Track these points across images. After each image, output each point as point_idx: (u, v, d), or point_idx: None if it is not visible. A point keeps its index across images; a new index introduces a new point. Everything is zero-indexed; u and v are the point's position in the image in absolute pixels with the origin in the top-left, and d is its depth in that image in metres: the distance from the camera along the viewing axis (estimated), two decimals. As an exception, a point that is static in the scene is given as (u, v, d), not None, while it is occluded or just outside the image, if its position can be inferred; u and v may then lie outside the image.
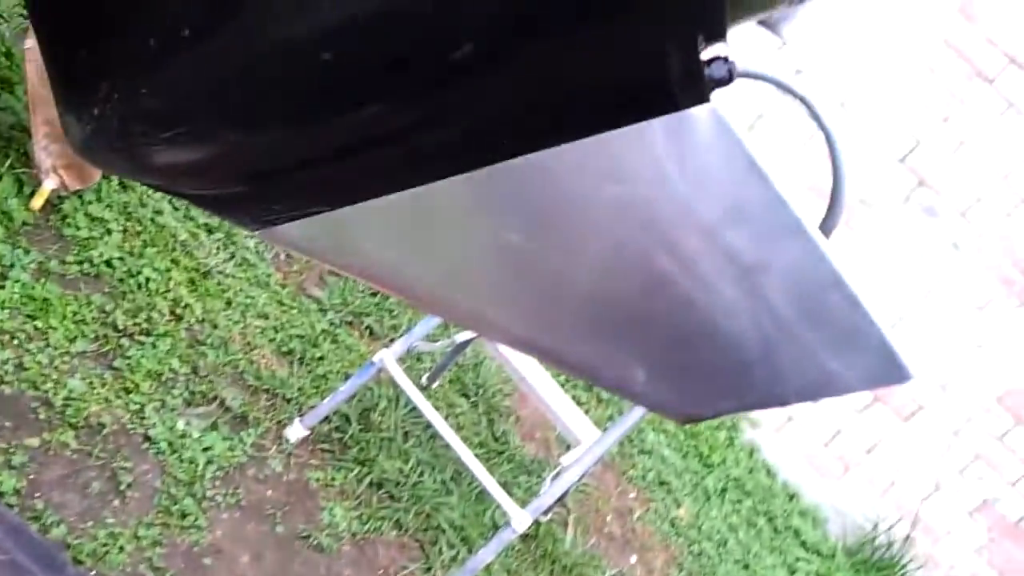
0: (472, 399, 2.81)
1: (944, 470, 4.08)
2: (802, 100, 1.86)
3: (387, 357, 2.15)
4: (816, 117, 1.82)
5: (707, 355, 0.59)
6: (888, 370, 0.54)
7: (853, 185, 1.89)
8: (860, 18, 3.55)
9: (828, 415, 4.12)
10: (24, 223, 2.02)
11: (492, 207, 0.54)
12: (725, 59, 0.46)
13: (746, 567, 3.28)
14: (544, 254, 0.55)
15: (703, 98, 0.46)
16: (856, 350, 0.54)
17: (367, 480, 2.21)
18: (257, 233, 0.60)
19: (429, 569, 2.15)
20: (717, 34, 0.45)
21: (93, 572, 1.58)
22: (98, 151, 0.60)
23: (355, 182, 0.56)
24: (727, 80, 0.46)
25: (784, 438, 4.19)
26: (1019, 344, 3.88)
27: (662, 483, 3.29)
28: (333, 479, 2.15)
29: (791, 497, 4.08)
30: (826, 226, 1.91)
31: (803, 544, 3.83)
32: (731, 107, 0.47)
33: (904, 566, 4.04)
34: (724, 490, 3.64)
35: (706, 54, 0.45)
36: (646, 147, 0.50)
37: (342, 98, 0.49)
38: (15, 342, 1.82)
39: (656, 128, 0.49)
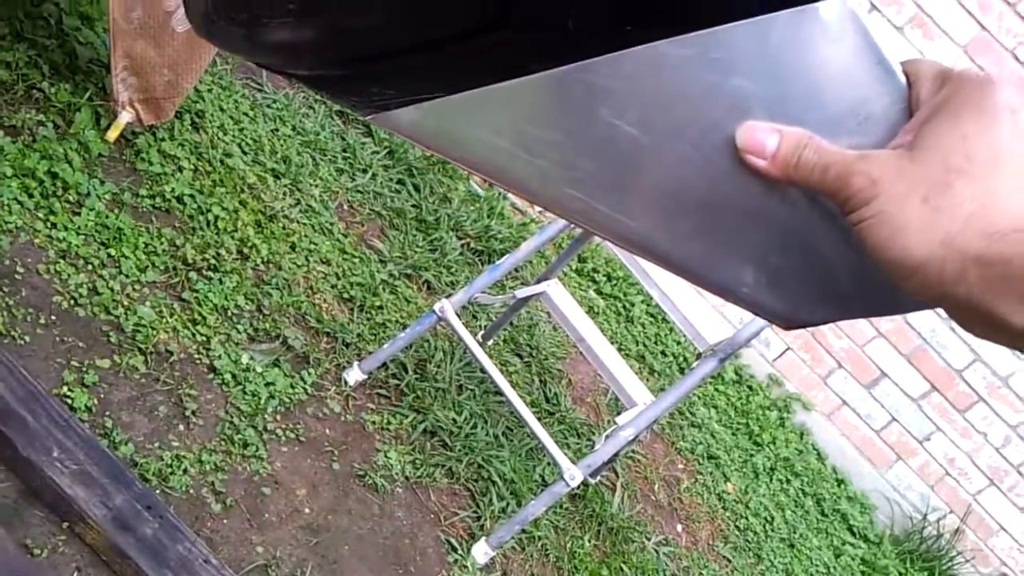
0: (525, 359, 2.82)
1: (1000, 464, 3.99)
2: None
3: (447, 306, 2.16)
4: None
5: (820, 259, 0.58)
6: None
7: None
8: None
9: (883, 402, 4.06)
10: (100, 155, 2.05)
11: (608, 97, 0.53)
12: None
13: (792, 546, 3.25)
14: (659, 148, 0.54)
15: None
16: None
17: (422, 427, 2.23)
18: (370, 118, 0.60)
19: (479, 518, 2.16)
20: None
21: (158, 491, 1.62)
22: (217, 25, 0.60)
23: (464, 68, 0.56)
24: None
25: (836, 422, 4.14)
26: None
27: (711, 457, 3.27)
28: (389, 423, 2.17)
29: (840, 482, 4.03)
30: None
31: (850, 529, 3.78)
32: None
33: (952, 558, 3.97)
34: (773, 469, 3.61)
35: None
36: (770, 40, 0.49)
37: None
38: (89, 267, 1.86)
39: (782, 21, 0.48)
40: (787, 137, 0.48)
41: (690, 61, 0.50)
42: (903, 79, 0.50)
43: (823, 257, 0.56)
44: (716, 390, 3.75)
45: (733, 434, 3.58)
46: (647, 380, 3.34)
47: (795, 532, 3.35)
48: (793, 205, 0.54)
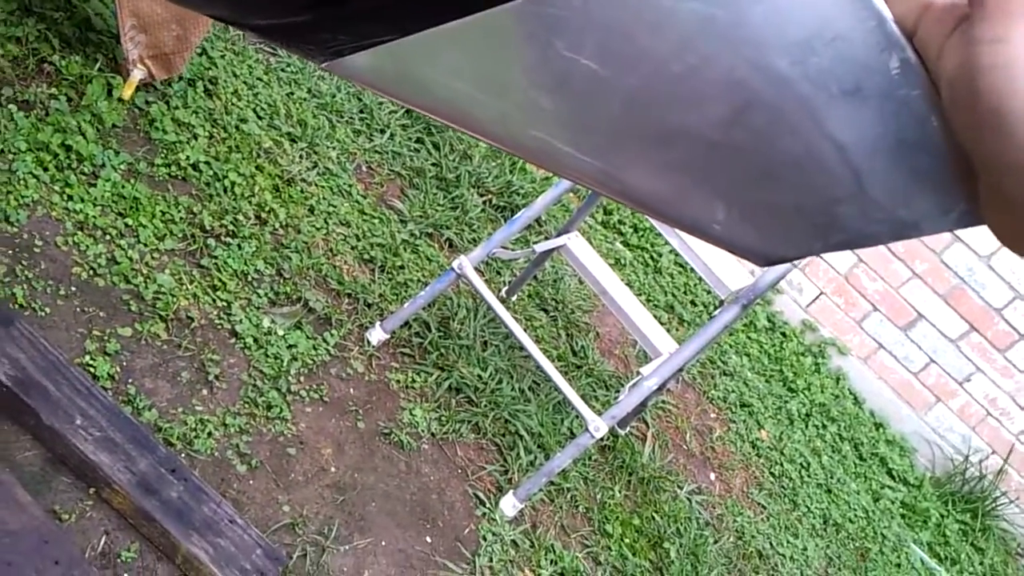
0: (551, 314, 2.81)
1: (1042, 402, 3.92)
2: None
3: (465, 263, 2.15)
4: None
5: (792, 190, 0.55)
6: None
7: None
8: None
9: (920, 344, 3.99)
10: (114, 125, 2.06)
11: (563, 29, 0.50)
12: None
13: (829, 491, 3.23)
14: (618, 79, 0.52)
15: None
16: (952, 180, 0.50)
17: (446, 384, 2.24)
18: (325, 66, 0.59)
19: (507, 472, 2.17)
20: None
21: (183, 454, 1.64)
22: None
23: (416, 8, 0.54)
24: None
25: (873, 366, 4.09)
26: None
27: (744, 405, 3.25)
28: (413, 381, 2.18)
29: (878, 426, 3.99)
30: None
31: (889, 472, 3.75)
32: None
33: (995, 499, 3.93)
34: (808, 415, 3.58)
35: None
36: None
37: None
38: (107, 237, 1.87)
39: None
40: None
41: None
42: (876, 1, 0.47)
43: (794, 187, 0.54)
44: (748, 338, 3.72)
45: (767, 381, 3.55)
46: (676, 330, 3.32)
47: (832, 477, 3.33)
48: (761, 132, 0.52)
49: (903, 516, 3.55)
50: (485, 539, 1.98)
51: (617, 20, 0.49)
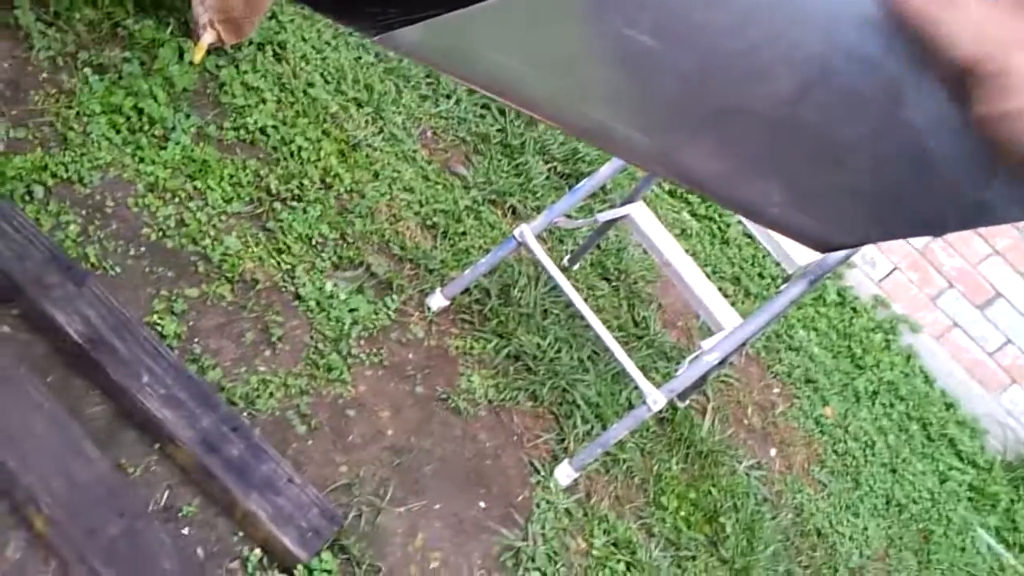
0: (613, 283, 2.79)
1: None
2: None
3: (526, 231, 2.14)
4: None
5: (851, 175, 0.53)
6: None
7: None
8: None
9: (997, 323, 3.86)
10: (184, 89, 2.10)
11: (619, 5, 0.49)
12: None
13: (893, 471, 3.17)
14: (674, 57, 0.50)
15: None
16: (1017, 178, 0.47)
17: (505, 352, 2.24)
18: (376, 39, 0.58)
19: (563, 440, 2.17)
20: None
21: (245, 413, 1.68)
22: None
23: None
24: None
25: (946, 345, 3.97)
26: None
27: (809, 381, 3.19)
28: (472, 348, 2.19)
29: (948, 406, 3.88)
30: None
31: (958, 454, 3.65)
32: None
33: (1070, 485, 3.80)
34: (875, 393, 3.50)
35: None
36: None
37: None
38: (176, 200, 1.92)
39: None
40: None
41: None
42: None
43: (858, 171, 0.52)
44: (817, 312, 3.64)
45: (834, 357, 3.48)
46: (742, 303, 3.27)
47: (898, 457, 3.26)
48: (826, 112, 0.50)
49: (970, 499, 3.47)
50: (539, 506, 1.99)
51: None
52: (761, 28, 0.47)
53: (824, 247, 0.59)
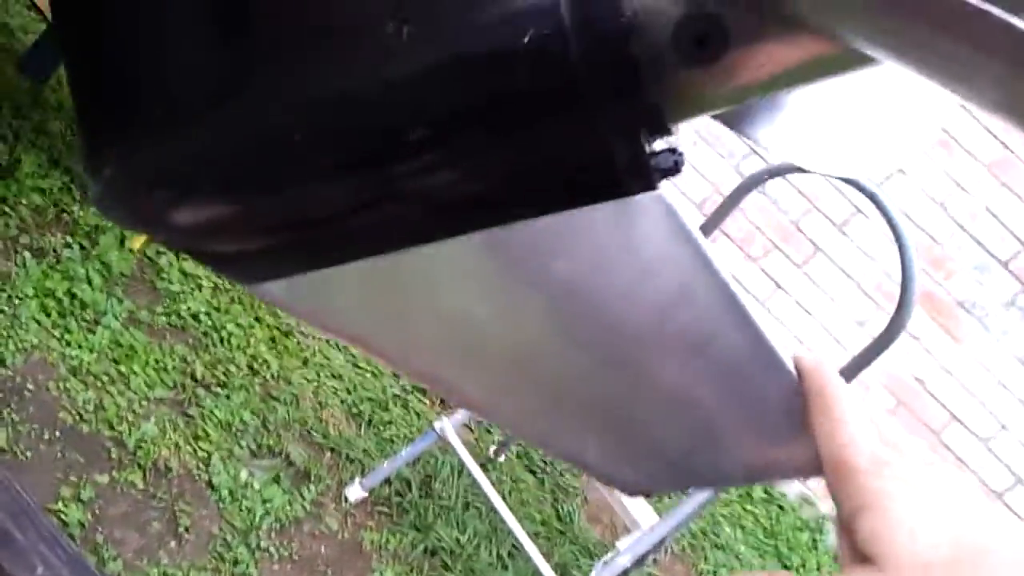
0: (539, 475, 2.81)
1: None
2: (871, 196, 1.84)
3: (447, 425, 2.18)
4: (884, 212, 1.80)
5: (653, 433, 0.61)
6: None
7: (918, 287, 1.84)
8: (965, 119, 3.48)
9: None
10: (122, 274, 2.17)
11: (455, 275, 0.58)
12: (673, 151, 0.49)
13: None
14: (502, 325, 0.58)
15: (651, 186, 0.49)
16: (796, 437, 0.55)
17: (422, 546, 2.23)
18: (246, 288, 0.66)
19: (474, 642, 2.13)
20: (660, 129, 0.48)
21: (141, 608, 1.65)
22: (109, 209, 0.66)
23: (321, 249, 0.61)
24: (675, 170, 0.49)
25: (873, 546, 3.98)
26: None
27: (734, 580, 3.17)
28: (388, 542, 2.17)
29: (878, 610, 3.85)
30: (896, 325, 1.87)
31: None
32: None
33: None
34: (802, 594, 3.48)
35: (655, 146, 0.49)
36: (595, 229, 0.53)
37: (310, 173, 0.54)
38: (98, 384, 1.94)
39: (606, 212, 0.52)
40: None
41: (525, 246, 0.54)
42: (719, 267, 0.53)
43: (659, 431, 0.59)
44: (744, 509, 3.66)
45: (760, 556, 3.47)
46: (668, 497, 3.28)
47: (824, 663, 3.20)
48: (628, 383, 0.57)
49: None
50: None
51: (502, 273, 0.56)
52: (567, 311, 0.55)
53: (634, 492, 0.66)
